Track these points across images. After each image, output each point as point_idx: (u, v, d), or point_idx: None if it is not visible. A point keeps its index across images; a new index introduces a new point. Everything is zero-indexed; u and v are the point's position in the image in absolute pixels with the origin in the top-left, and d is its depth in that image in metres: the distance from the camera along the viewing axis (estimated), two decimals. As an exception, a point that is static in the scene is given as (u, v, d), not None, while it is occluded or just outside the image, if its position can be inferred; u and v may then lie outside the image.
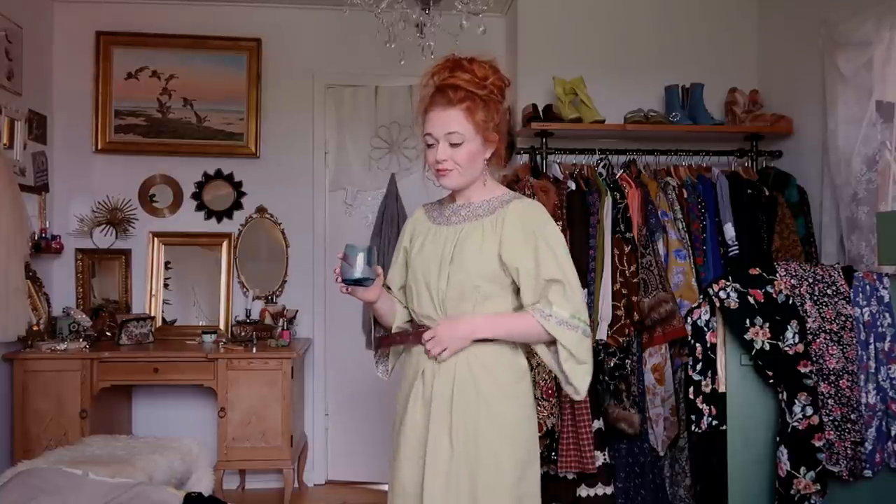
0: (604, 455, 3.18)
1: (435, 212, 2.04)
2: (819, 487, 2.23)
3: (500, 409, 1.85)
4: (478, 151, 1.90)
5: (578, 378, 1.84)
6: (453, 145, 1.87)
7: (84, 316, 3.88)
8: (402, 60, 3.37)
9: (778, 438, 2.28)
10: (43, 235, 3.87)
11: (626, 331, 3.18)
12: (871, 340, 2.37)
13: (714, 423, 2.40)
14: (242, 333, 3.94)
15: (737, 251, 3.33)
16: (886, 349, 2.38)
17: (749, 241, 3.34)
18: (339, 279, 1.81)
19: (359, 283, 1.80)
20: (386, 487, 2.02)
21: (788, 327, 2.27)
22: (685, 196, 3.43)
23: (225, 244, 4.25)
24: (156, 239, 4.21)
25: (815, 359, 2.30)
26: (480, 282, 1.86)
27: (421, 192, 4.20)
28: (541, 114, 3.60)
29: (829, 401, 2.30)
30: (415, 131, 4.27)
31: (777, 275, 2.33)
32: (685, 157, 3.65)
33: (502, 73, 1.95)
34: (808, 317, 2.32)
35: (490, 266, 1.86)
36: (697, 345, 2.41)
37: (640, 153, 3.61)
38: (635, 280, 3.21)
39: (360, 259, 1.77)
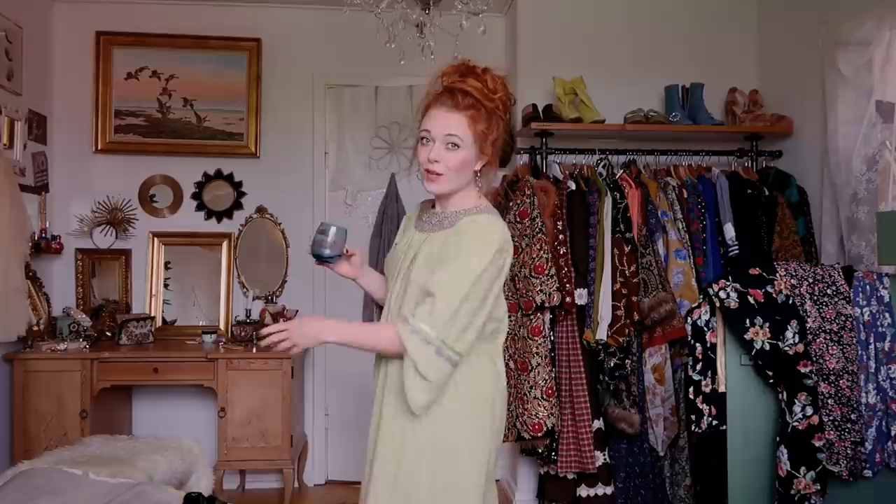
0: (604, 455, 3.18)
1: (423, 214, 2.04)
2: (819, 487, 2.23)
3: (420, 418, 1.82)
4: (470, 161, 1.87)
5: (413, 390, 1.75)
6: (449, 148, 1.85)
7: (84, 316, 3.88)
8: (402, 60, 3.37)
9: (778, 438, 2.28)
10: (43, 235, 3.87)
11: (626, 331, 3.18)
12: (871, 340, 2.37)
13: (714, 423, 2.40)
14: (242, 333, 3.94)
15: (737, 251, 3.34)
16: (886, 349, 2.38)
17: (749, 241, 3.35)
18: (310, 252, 1.97)
19: (322, 258, 1.99)
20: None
21: (788, 327, 2.27)
22: (685, 196, 3.43)
23: (225, 244, 4.25)
24: (156, 239, 4.21)
25: (815, 359, 2.30)
26: (423, 292, 1.82)
27: (421, 193, 4.21)
28: (541, 114, 3.60)
29: (829, 401, 2.30)
30: (413, 129, 4.30)
31: (777, 275, 2.33)
32: (685, 157, 3.66)
33: (510, 91, 1.94)
34: (808, 317, 2.32)
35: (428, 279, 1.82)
36: (697, 345, 2.41)
37: (640, 153, 3.61)
38: (635, 280, 3.21)
39: (329, 237, 1.97)
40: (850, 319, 2.34)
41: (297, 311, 4.17)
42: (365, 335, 1.87)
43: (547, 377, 3.08)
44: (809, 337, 2.30)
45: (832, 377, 2.31)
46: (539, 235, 3.14)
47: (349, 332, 1.86)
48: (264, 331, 1.87)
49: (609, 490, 3.18)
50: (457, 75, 1.89)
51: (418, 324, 1.75)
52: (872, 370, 2.36)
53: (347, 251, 2.03)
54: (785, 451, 2.24)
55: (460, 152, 1.85)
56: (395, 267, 1.96)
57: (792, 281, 2.34)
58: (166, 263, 4.23)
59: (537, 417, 3.03)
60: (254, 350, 3.76)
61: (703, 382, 2.40)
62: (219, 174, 4.27)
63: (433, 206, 2.00)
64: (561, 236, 3.20)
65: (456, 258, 1.79)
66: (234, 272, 4.24)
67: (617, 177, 3.44)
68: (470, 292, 1.77)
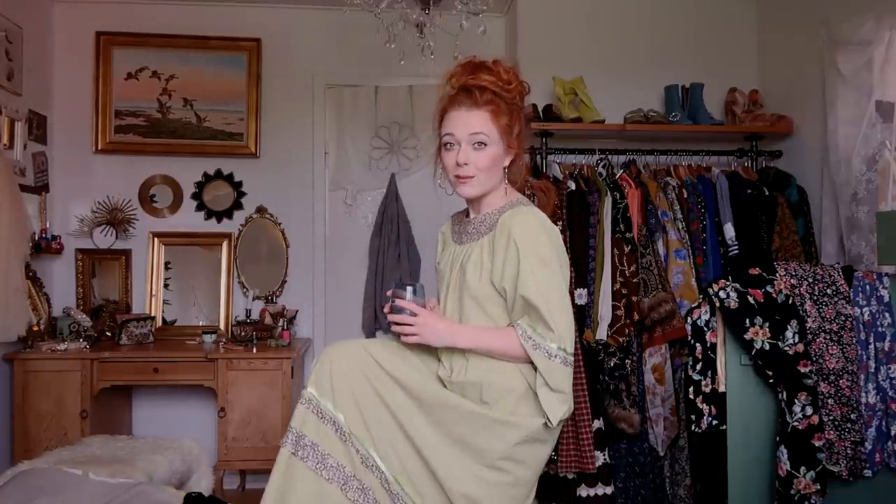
0: (604, 455, 3.18)
1: (456, 226, 2.00)
2: (819, 487, 2.23)
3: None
4: (499, 157, 1.84)
5: (549, 405, 1.76)
6: (477, 147, 1.81)
7: (84, 316, 3.88)
8: (402, 60, 3.37)
9: (778, 438, 2.28)
10: (43, 235, 3.87)
11: (626, 331, 3.18)
12: (871, 340, 2.37)
13: (714, 422, 2.40)
14: (242, 333, 3.94)
15: (737, 251, 3.34)
16: (886, 349, 2.38)
17: (749, 241, 3.35)
18: (389, 316, 1.81)
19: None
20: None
21: (788, 327, 2.27)
22: (685, 196, 3.43)
23: (225, 244, 4.25)
24: (156, 239, 4.21)
25: (814, 358, 2.30)
26: (484, 305, 1.83)
27: (421, 192, 4.23)
28: (541, 114, 3.60)
29: (829, 400, 2.30)
30: (415, 132, 4.30)
31: (777, 275, 2.33)
32: (685, 157, 3.66)
33: (523, 79, 1.89)
34: (808, 316, 2.32)
35: (488, 289, 1.82)
36: (697, 345, 2.40)
37: (640, 153, 3.61)
38: (635, 280, 3.21)
39: (409, 296, 1.81)
40: (850, 319, 2.34)
41: (297, 311, 4.17)
42: (491, 341, 1.81)
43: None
44: (809, 337, 2.30)
45: (832, 377, 2.31)
46: (539, 235, 3.14)
47: (481, 339, 1.81)
48: (393, 317, 1.80)
49: (609, 490, 3.18)
50: (467, 73, 1.84)
51: (538, 338, 1.74)
52: (872, 370, 2.36)
53: (426, 305, 1.88)
54: (785, 450, 2.24)
55: (488, 150, 1.82)
56: (444, 283, 1.93)
57: (792, 281, 2.34)
58: (166, 263, 4.23)
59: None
60: (254, 350, 3.76)
61: (703, 382, 2.40)
62: (219, 174, 4.27)
63: (466, 216, 1.96)
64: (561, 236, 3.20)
65: (530, 259, 1.75)
66: (234, 272, 4.24)
67: (617, 177, 3.44)
68: (560, 283, 1.78)
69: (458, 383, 1.84)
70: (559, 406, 1.78)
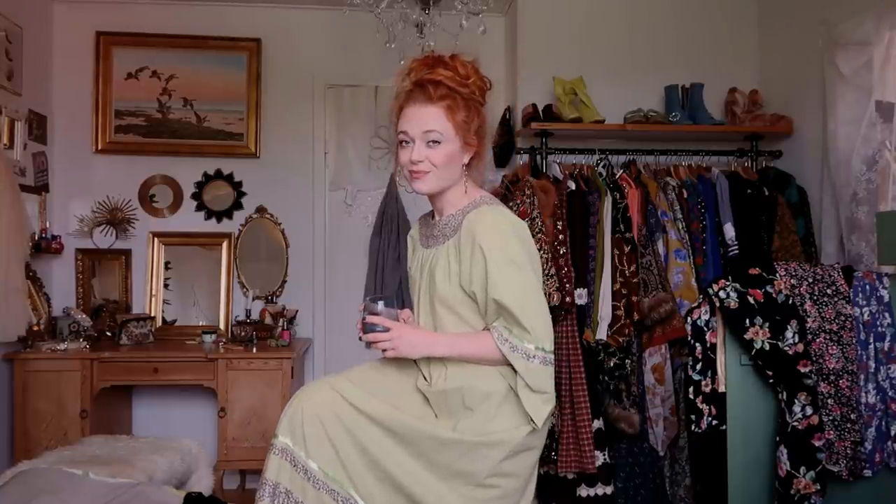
0: (604, 455, 3.18)
1: (423, 228, 1.98)
2: (819, 487, 2.23)
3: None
4: (456, 154, 1.80)
5: (531, 406, 1.74)
6: (430, 145, 1.77)
7: (84, 316, 3.88)
8: (402, 60, 3.36)
9: (778, 438, 2.28)
10: (43, 235, 3.87)
11: (626, 331, 3.18)
12: (871, 340, 2.37)
13: (714, 422, 2.40)
14: (242, 333, 3.94)
15: (737, 251, 3.34)
16: (886, 349, 2.38)
17: (749, 241, 3.35)
18: (362, 335, 1.79)
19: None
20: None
21: (788, 327, 2.27)
22: (685, 196, 3.43)
23: (225, 244, 4.25)
24: (156, 239, 4.21)
25: (814, 359, 2.30)
26: (455, 310, 1.81)
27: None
28: (541, 114, 3.60)
29: (829, 400, 2.30)
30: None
31: (777, 275, 2.33)
32: (685, 157, 3.66)
33: (483, 74, 1.86)
34: (808, 317, 2.32)
35: (458, 294, 1.80)
36: (697, 345, 2.40)
37: (640, 153, 3.61)
38: (635, 280, 3.21)
39: (380, 309, 1.78)
40: (850, 319, 2.34)
41: (297, 311, 4.17)
42: (468, 347, 1.78)
43: (547, 377, 3.08)
44: (809, 337, 2.30)
45: (832, 377, 2.31)
46: (539, 235, 3.14)
47: (458, 345, 1.79)
48: (366, 336, 1.77)
49: (609, 490, 3.18)
50: (425, 68, 1.80)
51: (515, 340, 1.72)
52: (872, 370, 2.36)
53: (399, 317, 1.86)
54: (785, 450, 2.24)
55: (443, 147, 1.78)
56: (416, 288, 1.91)
57: (792, 281, 2.34)
58: (166, 263, 4.23)
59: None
60: (254, 350, 3.76)
61: (703, 382, 2.40)
62: (219, 174, 4.27)
63: (432, 217, 1.94)
64: (561, 236, 3.20)
65: (497, 260, 1.72)
66: (233, 272, 4.24)
67: (617, 177, 3.44)
68: (532, 281, 1.74)
69: (439, 392, 1.81)
70: (542, 406, 1.75)
